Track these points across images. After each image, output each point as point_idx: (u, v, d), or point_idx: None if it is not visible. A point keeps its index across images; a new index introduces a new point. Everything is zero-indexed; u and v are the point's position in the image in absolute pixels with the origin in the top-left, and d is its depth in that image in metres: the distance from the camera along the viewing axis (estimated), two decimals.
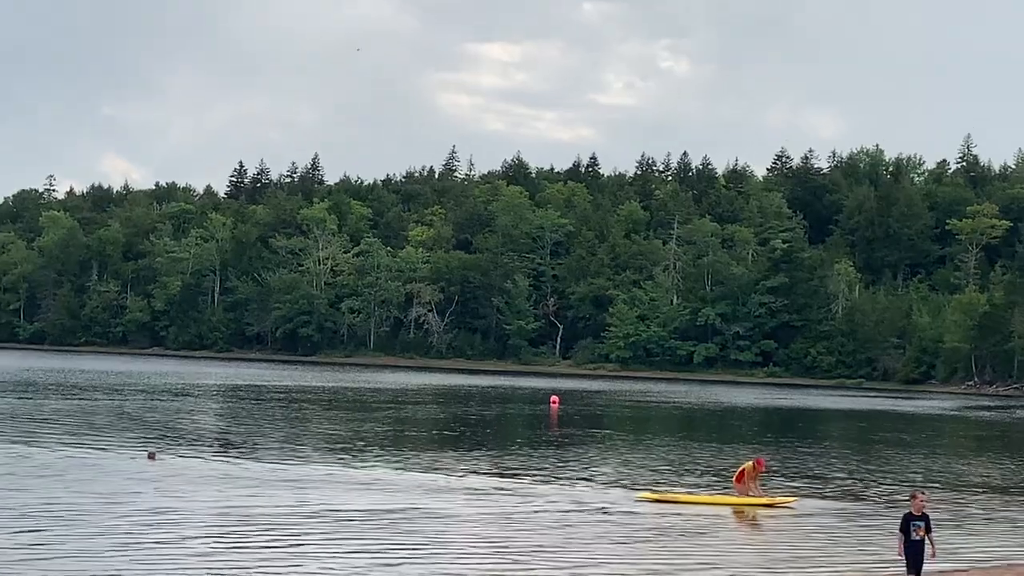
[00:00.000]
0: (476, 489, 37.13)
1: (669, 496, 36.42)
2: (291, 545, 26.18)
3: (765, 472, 37.97)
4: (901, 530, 22.00)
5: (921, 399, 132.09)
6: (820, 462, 51.49)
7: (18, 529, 26.62)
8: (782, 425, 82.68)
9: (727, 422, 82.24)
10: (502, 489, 37.40)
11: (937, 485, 43.30)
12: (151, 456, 41.53)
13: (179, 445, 46.96)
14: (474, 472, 41.77)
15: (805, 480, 43.61)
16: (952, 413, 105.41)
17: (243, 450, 46.25)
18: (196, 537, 26.75)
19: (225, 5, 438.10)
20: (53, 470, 37.33)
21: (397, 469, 41.69)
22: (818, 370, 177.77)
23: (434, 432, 63.72)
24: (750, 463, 37.18)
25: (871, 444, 63.88)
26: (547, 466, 44.86)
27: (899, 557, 22.25)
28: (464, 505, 33.68)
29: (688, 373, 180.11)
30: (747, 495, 36.40)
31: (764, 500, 36.25)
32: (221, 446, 47.69)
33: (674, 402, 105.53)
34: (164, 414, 64.50)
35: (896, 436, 71.35)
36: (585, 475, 42.26)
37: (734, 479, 37.41)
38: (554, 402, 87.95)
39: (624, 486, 39.50)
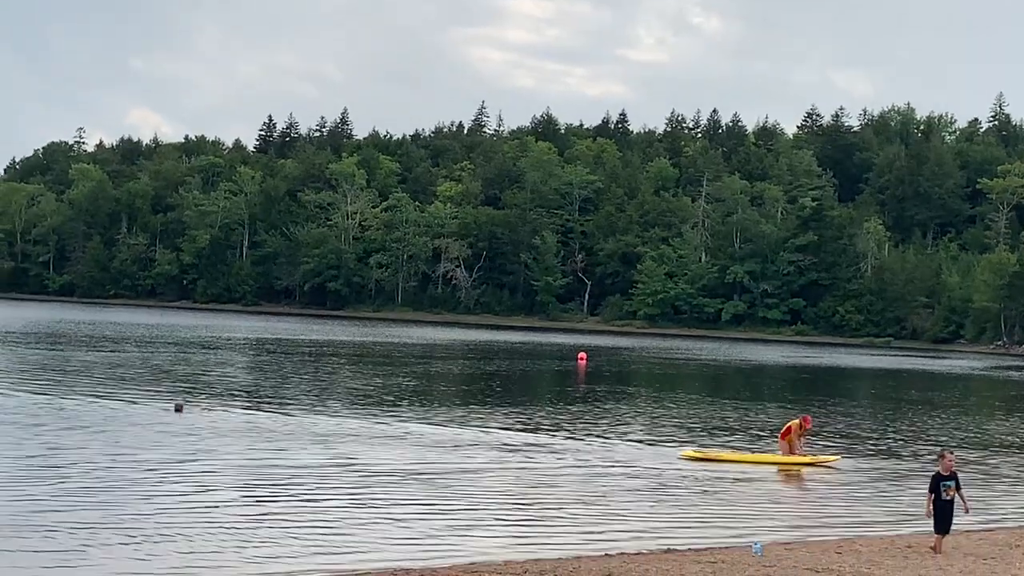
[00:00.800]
0: (510, 445, 37.05)
1: (712, 455, 36.18)
2: (320, 500, 26.06)
3: (811, 430, 37.82)
4: (930, 490, 21.91)
5: (950, 358, 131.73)
6: (852, 421, 51.33)
7: (45, 480, 26.62)
8: (811, 383, 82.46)
9: (756, 380, 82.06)
10: (536, 445, 37.33)
11: (967, 444, 43.15)
12: (178, 408, 41.58)
13: (207, 398, 47.05)
14: (506, 427, 41.71)
15: (839, 439, 43.43)
16: (981, 373, 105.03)
17: (271, 403, 46.30)
18: (223, 490, 26.76)
19: None
20: (81, 421, 37.40)
21: (427, 423, 41.67)
22: (846, 329, 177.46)
23: (463, 387, 63.75)
24: (796, 421, 36.94)
25: (901, 403, 63.65)
26: (582, 422, 44.72)
27: (928, 518, 22.18)
28: (499, 461, 33.52)
29: (716, 331, 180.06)
30: (791, 453, 36.25)
31: (807, 459, 36.06)
32: (249, 399, 47.75)
33: (702, 359, 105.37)
34: (192, 367, 64.68)
35: (925, 395, 71.13)
36: (620, 432, 42.12)
37: (780, 435, 37.28)
38: (582, 358, 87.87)
39: (660, 443, 39.38)
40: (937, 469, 22.20)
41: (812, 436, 40.17)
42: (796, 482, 33.94)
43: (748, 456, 36.80)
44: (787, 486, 33.47)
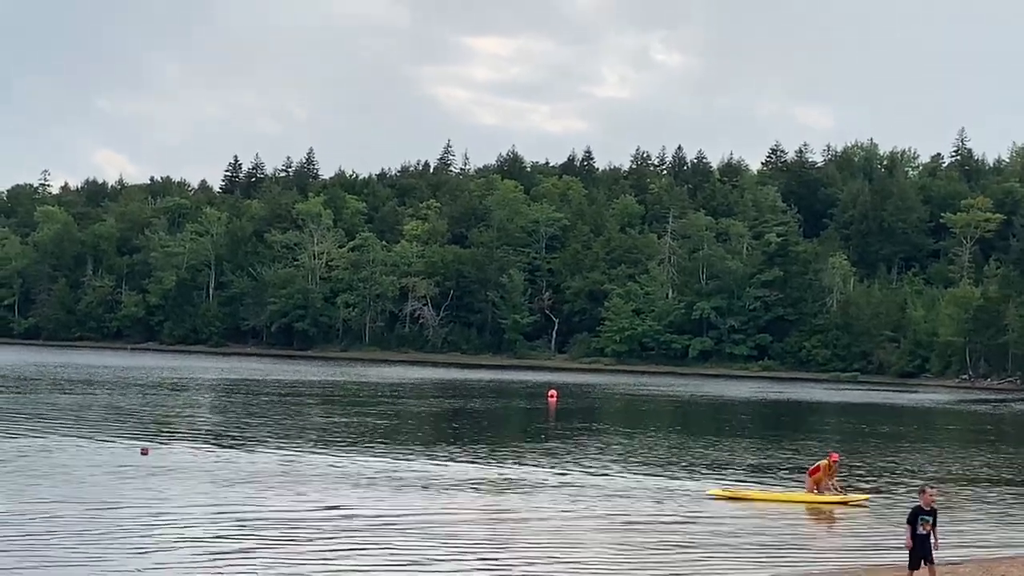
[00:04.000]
0: (491, 484, 36.95)
1: (741, 493, 36.09)
2: (290, 550, 25.39)
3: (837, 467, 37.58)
4: (908, 522, 21.86)
5: (916, 392, 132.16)
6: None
7: (5, 531, 26.19)
8: (787, 419, 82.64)
9: (729, 416, 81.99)
10: (514, 482, 37.24)
11: (938, 477, 43.29)
12: (144, 452, 41.31)
13: (173, 439, 46.83)
14: (485, 465, 41.60)
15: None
16: (948, 407, 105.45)
17: (238, 444, 46.06)
18: (198, 541, 26.47)
19: None
20: (44, 466, 37.11)
21: (399, 463, 41.51)
22: (813, 364, 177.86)
23: (436, 426, 63.61)
24: (825, 460, 36.70)
25: (871, 438, 63.72)
26: (566, 459, 44.64)
27: (907, 548, 22.05)
28: (482, 503, 33.29)
29: (683, 367, 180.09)
30: (817, 491, 36.08)
31: (837, 498, 35.81)
32: (216, 440, 47.47)
33: (672, 396, 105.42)
34: (158, 408, 64.38)
35: (895, 429, 71.30)
36: (613, 470, 42.02)
37: (808, 473, 36.98)
38: (552, 396, 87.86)
39: (681, 480, 39.46)
40: (918, 503, 22.12)
41: (793, 471, 40.02)
42: (816, 521, 33.86)
43: (779, 495, 36.51)
44: (801, 524, 33.33)
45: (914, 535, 21.69)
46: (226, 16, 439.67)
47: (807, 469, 38.06)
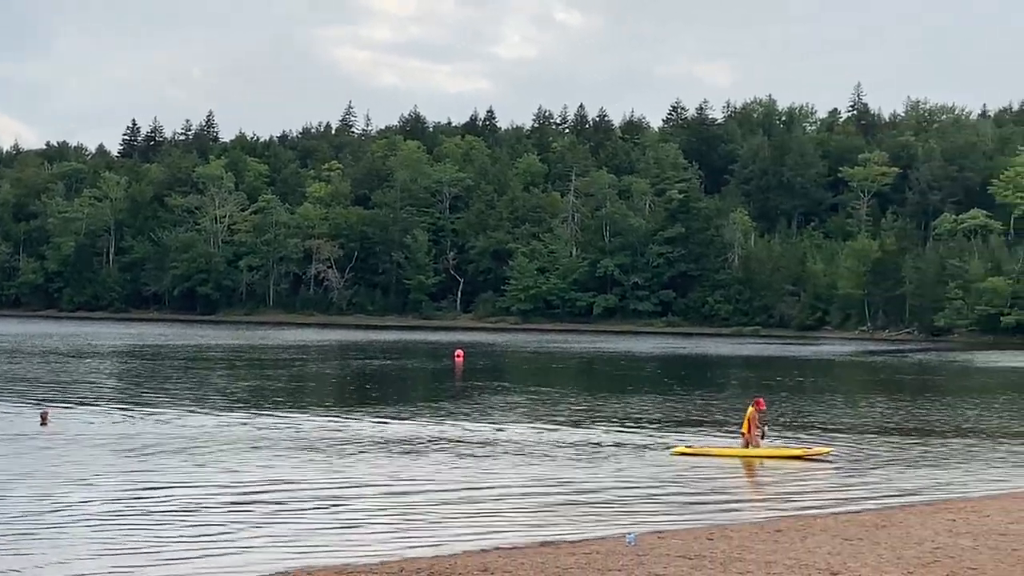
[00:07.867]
0: (398, 441, 37.03)
1: (703, 450, 36.55)
2: (191, 520, 24.89)
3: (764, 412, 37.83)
4: None
5: (817, 345, 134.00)
6: (723, 408, 51.98)
7: None
8: (684, 373, 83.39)
9: (637, 371, 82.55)
10: (423, 440, 37.34)
11: (841, 427, 44.00)
12: (43, 418, 40.71)
13: (74, 406, 46.28)
14: (393, 423, 41.63)
15: (712, 427, 43.93)
16: (849, 358, 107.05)
17: (141, 411, 45.62)
18: (87, 505, 26.33)
19: None
20: None
21: (304, 426, 41.35)
22: (716, 318, 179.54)
23: (341, 387, 63.44)
24: (751, 408, 37.04)
25: (779, 390, 64.48)
26: (498, 417, 44.79)
27: None
28: (393, 459, 33.50)
29: (588, 324, 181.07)
30: (755, 444, 36.32)
31: (799, 451, 36.40)
32: (118, 407, 46.95)
33: (577, 353, 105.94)
34: (59, 376, 63.58)
35: (799, 382, 72.22)
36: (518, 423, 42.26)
37: (746, 429, 37.09)
38: (458, 356, 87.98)
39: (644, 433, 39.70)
40: None
41: (703, 425, 40.39)
42: (754, 473, 34.28)
43: (740, 451, 36.67)
44: (749, 477, 33.89)
45: None
46: None
47: (742, 423, 38.02)
